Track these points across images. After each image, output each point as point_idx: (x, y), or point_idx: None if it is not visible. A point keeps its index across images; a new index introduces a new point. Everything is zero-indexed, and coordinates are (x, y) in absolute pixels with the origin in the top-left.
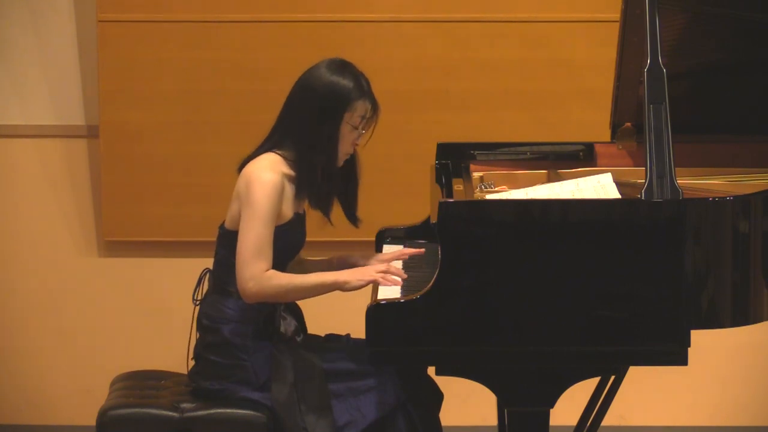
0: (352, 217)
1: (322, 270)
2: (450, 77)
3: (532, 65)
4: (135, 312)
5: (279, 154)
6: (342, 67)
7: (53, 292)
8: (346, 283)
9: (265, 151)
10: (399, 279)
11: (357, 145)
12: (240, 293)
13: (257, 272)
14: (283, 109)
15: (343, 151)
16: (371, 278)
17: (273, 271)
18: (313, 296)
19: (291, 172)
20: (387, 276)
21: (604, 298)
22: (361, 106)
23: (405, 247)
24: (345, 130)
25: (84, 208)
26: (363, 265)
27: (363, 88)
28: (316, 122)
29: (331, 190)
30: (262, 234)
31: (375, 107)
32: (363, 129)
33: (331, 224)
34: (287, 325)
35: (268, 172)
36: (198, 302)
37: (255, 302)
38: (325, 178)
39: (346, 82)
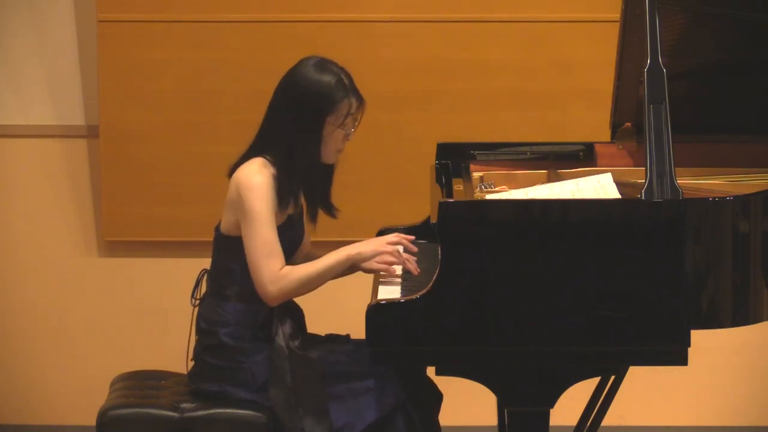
0: (328, 207)
1: None
2: (450, 77)
3: (532, 65)
4: (135, 312)
5: (266, 159)
6: (322, 66)
7: (53, 292)
8: (358, 254)
9: (253, 156)
10: (401, 269)
11: (348, 140)
12: (263, 299)
13: (274, 273)
14: (267, 113)
15: (335, 148)
16: (382, 248)
17: (287, 268)
18: (332, 278)
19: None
20: (395, 254)
21: (604, 298)
22: (344, 105)
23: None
24: (328, 131)
25: (84, 208)
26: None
27: (345, 86)
28: (301, 125)
29: (322, 188)
30: (268, 236)
31: (360, 101)
32: (351, 127)
33: (334, 216)
34: (284, 330)
35: (257, 176)
36: (196, 303)
37: (280, 302)
38: (318, 177)
39: (328, 80)
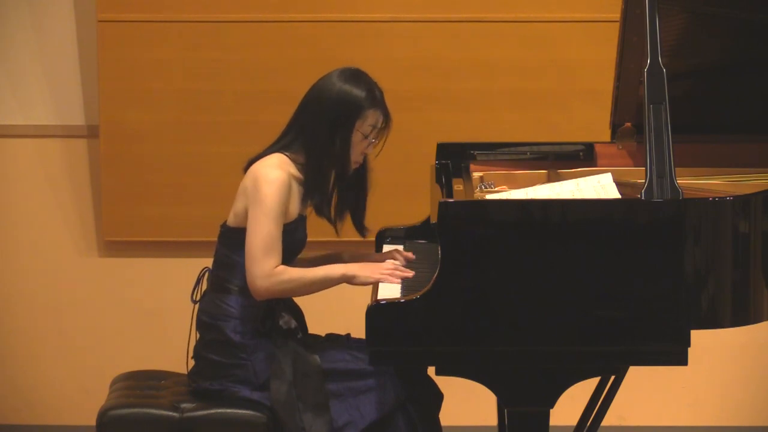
0: (360, 227)
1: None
2: (450, 77)
3: (532, 65)
4: (135, 312)
5: (287, 155)
6: (356, 75)
7: (53, 292)
8: (354, 277)
9: (274, 151)
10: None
11: (367, 154)
12: (251, 291)
13: (268, 269)
14: (295, 114)
15: (353, 159)
16: (379, 277)
17: (282, 267)
18: (321, 290)
19: (298, 174)
20: (394, 273)
21: (604, 298)
22: (372, 116)
23: (405, 248)
24: (356, 138)
25: (84, 208)
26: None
27: (376, 97)
28: (328, 129)
29: (342, 198)
30: (272, 231)
31: (387, 118)
32: (374, 139)
33: (337, 234)
34: (286, 322)
35: (275, 170)
36: (197, 301)
37: (265, 299)
38: (335, 185)
39: (359, 91)
